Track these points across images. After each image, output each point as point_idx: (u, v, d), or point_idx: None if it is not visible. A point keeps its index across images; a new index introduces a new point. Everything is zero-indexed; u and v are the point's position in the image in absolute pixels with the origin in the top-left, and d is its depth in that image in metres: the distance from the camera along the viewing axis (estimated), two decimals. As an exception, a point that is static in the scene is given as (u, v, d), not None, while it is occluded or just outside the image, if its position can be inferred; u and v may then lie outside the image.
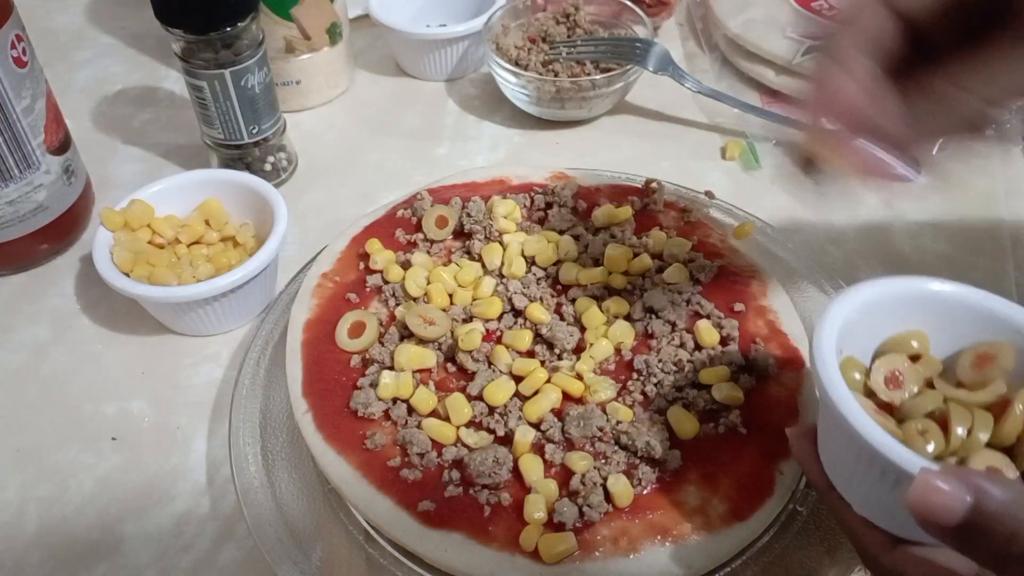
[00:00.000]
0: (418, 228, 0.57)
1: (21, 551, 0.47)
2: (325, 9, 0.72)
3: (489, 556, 0.41)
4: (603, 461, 0.44)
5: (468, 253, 0.55)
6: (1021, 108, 0.71)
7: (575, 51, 0.73)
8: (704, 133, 0.73)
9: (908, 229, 0.64)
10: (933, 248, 0.63)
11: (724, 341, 0.50)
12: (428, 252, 0.56)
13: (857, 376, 0.38)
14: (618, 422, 0.46)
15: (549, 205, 0.58)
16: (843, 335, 0.36)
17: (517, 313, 0.51)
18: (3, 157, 0.56)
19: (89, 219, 0.65)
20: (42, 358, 0.57)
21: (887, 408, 0.37)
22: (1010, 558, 0.29)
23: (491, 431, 0.46)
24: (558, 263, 0.54)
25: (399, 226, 0.58)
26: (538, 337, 0.50)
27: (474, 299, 0.52)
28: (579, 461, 0.44)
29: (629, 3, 0.75)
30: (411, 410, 0.47)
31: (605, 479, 0.43)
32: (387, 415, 0.47)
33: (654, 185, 0.59)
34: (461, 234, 0.57)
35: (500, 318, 0.51)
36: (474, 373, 0.48)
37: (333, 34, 0.74)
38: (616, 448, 0.45)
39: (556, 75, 0.71)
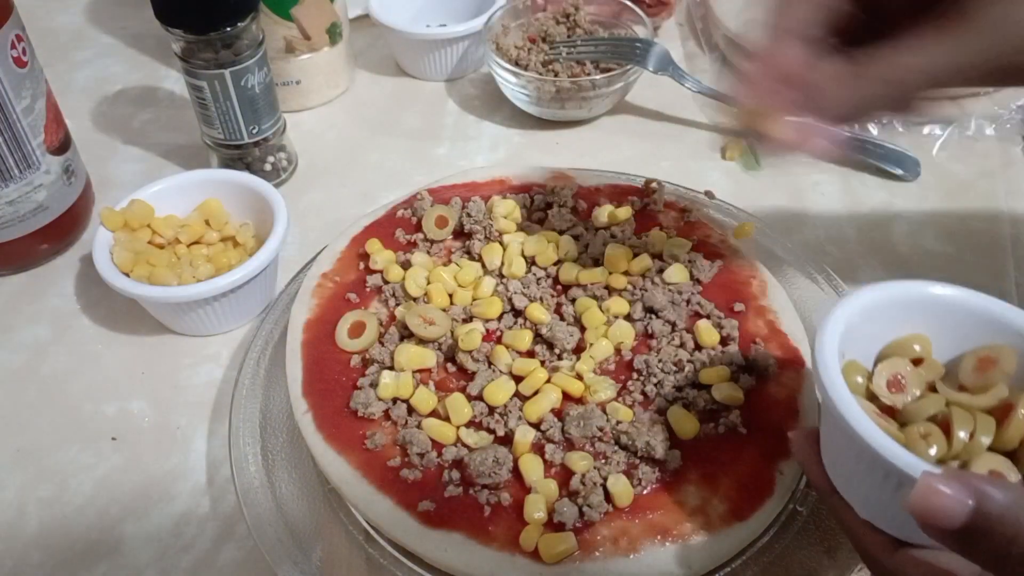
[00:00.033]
0: (418, 228, 0.57)
1: (21, 551, 0.47)
2: (325, 9, 0.72)
3: (489, 556, 0.41)
4: (603, 461, 0.44)
5: (468, 253, 0.55)
6: (1021, 108, 0.71)
7: (575, 51, 0.73)
8: (704, 133, 0.73)
9: (908, 229, 0.64)
10: (933, 248, 0.63)
11: (724, 341, 0.50)
12: (428, 252, 0.56)
13: (859, 380, 0.38)
14: (618, 422, 0.46)
15: (549, 205, 0.58)
16: (845, 339, 0.36)
17: (517, 313, 0.51)
18: (3, 157, 0.56)
19: (89, 219, 0.65)
20: (42, 358, 0.57)
21: (889, 412, 0.37)
22: (1011, 560, 0.29)
23: (491, 431, 0.46)
24: (558, 263, 0.54)
25: (399, 226, 0.58)
26: (538, 337, 0.50)
27: (474, 299, 0.52)
28: (579, 461, 0.44)
29: (629, 3, 0.75)
30: (411, 410, 0.47)
31: (605, 479, 0.43)
32: (387, 415, 0.47)
33: (654, 185, 0.59)
34: (461, 234, 0.57)
35: (500, 318, 0.51)
36: (474, 373, 0.48)
37: (333, 34, 0.74)
38: (616, 448, 0.45)
39: (556, 75, 0.71)
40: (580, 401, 0.47)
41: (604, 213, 0.56)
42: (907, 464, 0.32)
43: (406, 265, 0.54)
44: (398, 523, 0.42)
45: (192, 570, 0.46)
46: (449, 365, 0.50)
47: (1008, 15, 0.38)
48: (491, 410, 0.47)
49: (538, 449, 0.45)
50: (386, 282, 0.54)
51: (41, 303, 0.60)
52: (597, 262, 0.54)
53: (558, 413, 0.46)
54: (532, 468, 0.44)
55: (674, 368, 0.48)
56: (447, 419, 0.46)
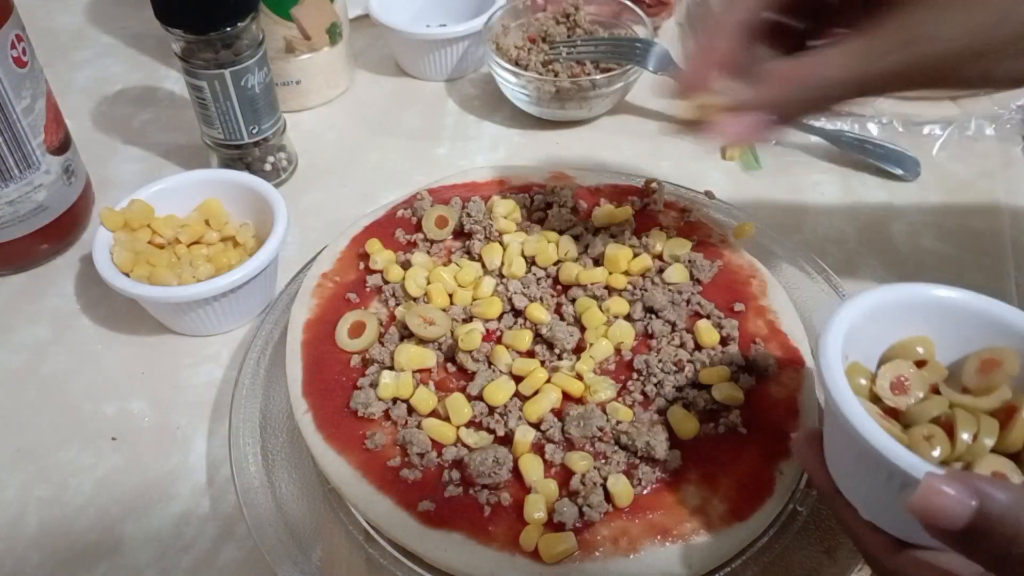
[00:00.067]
0: (418, 228, 0.57)
1: (21, 551, 0.47)
2: (325, 9, 0.72)
3: (489, 556, 0.41)
4: (603, 461, 0.44)
5: (468, 253, 0.55)
6: (1021, 108, 0.71)
7: (575, 51, 0.73)
8: (704, 133, 0.73)
9: (908, 229, 0.64)
10: (933, 248, 0.63)
11: (724, 341, 0.50)
12: (428, 252, 0.56)
13: (863, 382, 0.38)
14: (618, 422, 0.46)
15: (549, 205, 0.58)
16: (848, 341, 0.37)
17: (517, 313, 0.51)
18: (3, 157, 0.56)
19: (89, 219, 0.65)
20: (42, 358, 0.57)
21: (893, 413, 0.37)
22: (1012, 560, 0.29)
23: (491, 431, 0.46)
24: (558, 263, 0.54)
25: (399, 226, 0.58)
26: (538, 337, 0.50)
27: (474, 299, 0.52)
28: (579, 461, 0.44)
29: (629, 3, 0.75)
30: (411, 410, 0.47)
31: (605, 479, 0.43)
32: (387, 415, 0.47)
33: (654, 185, 0.59)
34: (461, 234, 0.57)
35: (500, 318, 0.51)
36: (474, 373, 0.48)
37: (333, 34, 0.74)
38: (616, 448, 0.45)
39: (556, 75, 0.71)
40: (580, 401, 0.47)
41: (604, 213, 0.56)
42: (910, 465, 0.32)
43: (406, 265, 0.54)
44: (398, 523, 0.42)
45: (192, 570, 0.46)
46: (449, 365, 0.50)
47: (912, 21, 0.40)
48: (491, 410, 0.47)
49: (538, 449, 0.45)
50: (386, 282, 0.54)
51: (41, 303, 0.60)
52: (597, 262, 0.54)
53: (558, 413, 0.46)
54: (532, 468, 0.44)
55: (674, 368, 0.48)
56: (447, 419, 0.46)
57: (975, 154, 0.70)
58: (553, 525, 0.42)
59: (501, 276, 0.54)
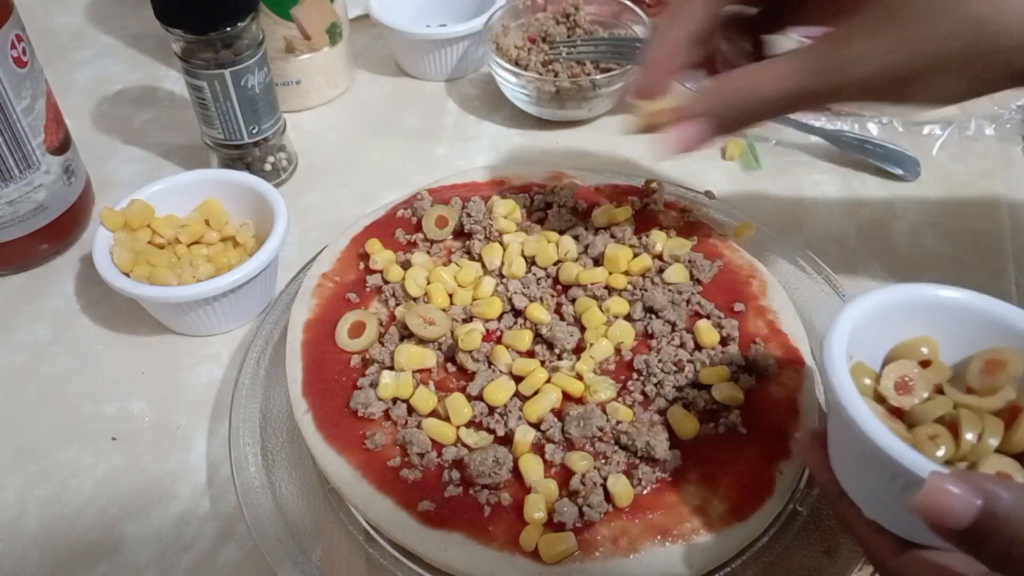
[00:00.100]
0: (418, 228, 0.57)
1: (21, 551, 0.47)
2: (325, 9, 0.72)
3: (489, 556, 0.41)
4: (603, 461, 0.44)
5: (468, 253, 0.55)
6: (1021, 108, 0.71)
7: (575, 51, 0.73)
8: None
9: (908, 229, 0.64)
10: (933, 248, 0.63)
11: (724, 341, 0.50)
12: (428, 252, 0.56)
13: (867, 381, 0.38)
14: (618, 422, 0.46)
15: (549, 205, 0.58)
16: (852, 341, 0.37)
17: (517, 313, 0.51)
18: (3, 157, 0.56)
19: (89, 219, 0.65)
20: (42, 358, 0.57)
21: (897, 413, 0.37)
22: (1017, 560, 0.29)
23: (491, 431, 0.46)
24: (558, 263, 0.54)
25: (399, 226, 0.58)
26: (538, 337, 0.50)
27: (474, 299, 0.52)
28: (579, 461, 0.44)
29: (629, 3, 0.75)
30: (411, 410, 0.47)
31: (605, 479, 0.43)
32: (387, 415, 0.47)
33: (654, 185, 0.59)
34: (461, 234, 0.57)
35: (500, 318, 0.51)
36: (474, 373, 0.48)
37: (333, 34, 0.74)
38: (616, 448, 0.45)
39: (556, 75, 0.71)
40: (580, 401, 0.47)
41: (604, 213, 0.56)
42: (915, 464, 0.32)
43: (406, 265, 0.54)
44: (398, 523, 0.42)
45: (192, 570, 0.46)
46: (449, 365, 0.50)
47: (843, 43, 0.42)
48: (491, 410, 0.47)
49: (538, 449, 0.45)
50: (386, 282, 0.54)
51: (41, 303, 0.60)
52: (597, 262, 0.54)
53: (558, 413, 0.46)
54: (532, 468, 0.44)
55: (674, 368, 0.48)
56: (447, 419, 0.46)
57: (975, 154, 0.70)
58: (553, 525, 0.42)
59: (501, 276, 0.54)
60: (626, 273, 0.53)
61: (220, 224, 0.59)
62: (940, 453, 0.34)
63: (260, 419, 0.50)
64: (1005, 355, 0.37)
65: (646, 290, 0.52)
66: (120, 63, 0.83)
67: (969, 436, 0.34)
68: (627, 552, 0.41)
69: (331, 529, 0.45)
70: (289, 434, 0.49)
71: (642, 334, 0.50)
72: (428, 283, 0.53)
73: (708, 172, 0.69)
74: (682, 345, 0.49)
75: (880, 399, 0.38)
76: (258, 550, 0.44)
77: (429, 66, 0.78)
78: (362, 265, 0.55)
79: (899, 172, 0.68)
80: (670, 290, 0.52)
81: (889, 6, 0.40)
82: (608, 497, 0.42)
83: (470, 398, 0.47)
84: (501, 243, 0.55)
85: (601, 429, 0.45)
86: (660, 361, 0.48)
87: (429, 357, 0.49)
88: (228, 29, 0.59)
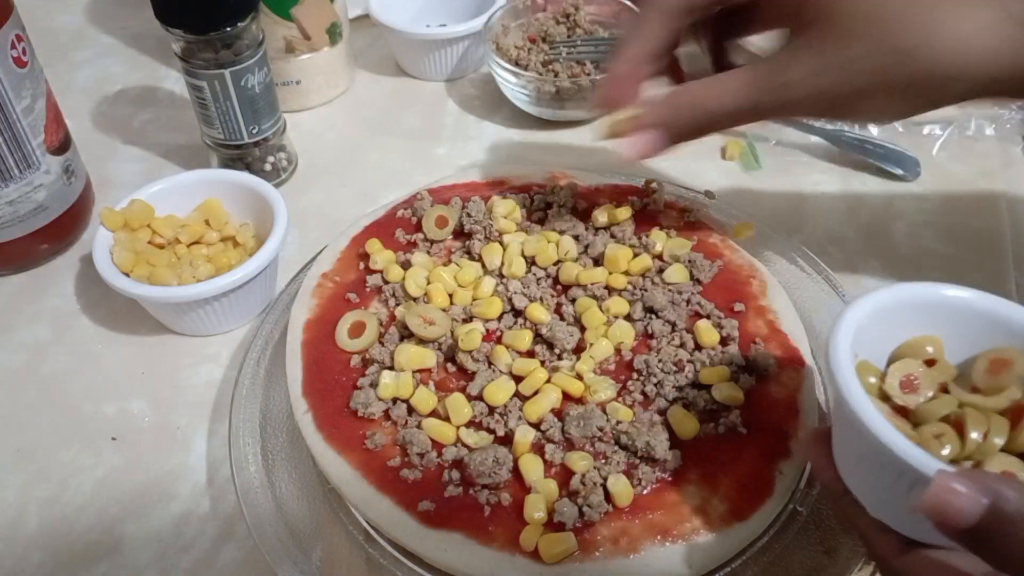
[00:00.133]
0: (418, 228, 0.57)
1: (21, 551, 0.47)
2: (325, 9, 0.72)
3: (489, 556, 0.41)
4: (603, 461, 0.44)
5: (468, 253, 0.55)
6: (1021, 108, 0.71)
7: (575, 51, 0.73)
8: (704, 133, 0.73)
9: (908, 229, 0.64)
10: (933, 248, 0.63)
11: (724, 341, 0.50)
12: (428, 252, 0.56)
13: (872, 380, 0.38)
14: (618, 422, 0.46)
15: (549, 205, 0.58)
16: (857, 339, 0.36)
17: (517, 313, 0.51)
18: (3, 157, 0.56)
19: (89, 219, 0.65)
20: (42, 358, 0.57)
21: (902, 412, 0.37)
22: (1019, 559, 0.29)
23: (491, 431, 0.46)
24: (558, 263, 0.54)
25: (399, 226, 0.58)
26: (538, 337, 0.50)
27: (474, 299, 0.52)
28: (579, 461, 0.44)
29: (629, 3, 0.75)
30: (411, 410, 0.47)
31: (605, 479, 0.43)
32: (387, 415, 0.47)
33: (654, 185, 0.59)
34: (461, 234, 0.57)
35: (500, 318, 0.51)
36: (474, 373, 0.48)
37: (333, 34, 0.74)
38: (616, 448, 0.45)
39: (556, 75, 0.71)
40: (580, 401, 0.47)
41: (604, 213, 0.56)
42: (922, 463, 0.31)
43: (406, 265, 0.54)
44: (398, 523, 0.42)
45: (192, 570, 0.46)
46: (449, 365, 0.50)
47: (786, 63, 0.44)
48: (491, 410, 0.47)
49: (538, 449, 0.45)
50: (386, 282, 0.54)
51: (41, 303, 0.60)
52: (597, 262, 0.54)
53: (558, 413, 0.46)
54: (532, 468, 0.44)
55: (674, 368, 0.48)
56: (447, 419, 0.46)
57: (975, 154, 0.70)
58: (553, 525, 0.42)
59: (501, 276, 0.54)
60: (626, 273, 0.53)
61: (220, 224, 0.59)
62: (945, 452, 0.34)
63: (260, 419, 0.50)
64: (1010, 354, 0.37)
65: (646, 290, 0.52)
66: (120, 63, 0.83)
67: (975, 435, 0.34)
68: (627, 552, 0.41)
69: (331, 529, 0.45)
70: (289, 434, 0.49)
71: (642, 334, 0.50)
72: (428, 283, 0.53)
73: (708, 172, 0.69)
74: (682, 345, 0.49)
75: (885, 397, 0.37)
76: (258, 550, 0.44)
77: (429, 66, 0.78)
78: (362, 265, 0.55)
79: (899, 172, 0.68)
80: (670, 290, 0.52)
81: (825, 31, 0.43)
82: (608, 497, 0.42)
83: (470, 398, 0.47)
84: (501, 243, 0.55)
85: (601, 429, 0.45)
86: (660, 361, 0.48)
87: (429, 357, 0.49)
88: (228, 29, 0.59)
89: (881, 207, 0.66)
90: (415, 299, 0.52)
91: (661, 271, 0.53)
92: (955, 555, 0.33)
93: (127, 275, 0.54)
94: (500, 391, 0.47)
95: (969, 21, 0.40)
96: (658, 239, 0.55)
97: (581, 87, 0.70)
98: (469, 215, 0.56)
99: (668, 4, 0.48)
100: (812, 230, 0.64)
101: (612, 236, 0.55)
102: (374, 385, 0.47)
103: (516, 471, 0.44)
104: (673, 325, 0.50)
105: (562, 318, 0.51)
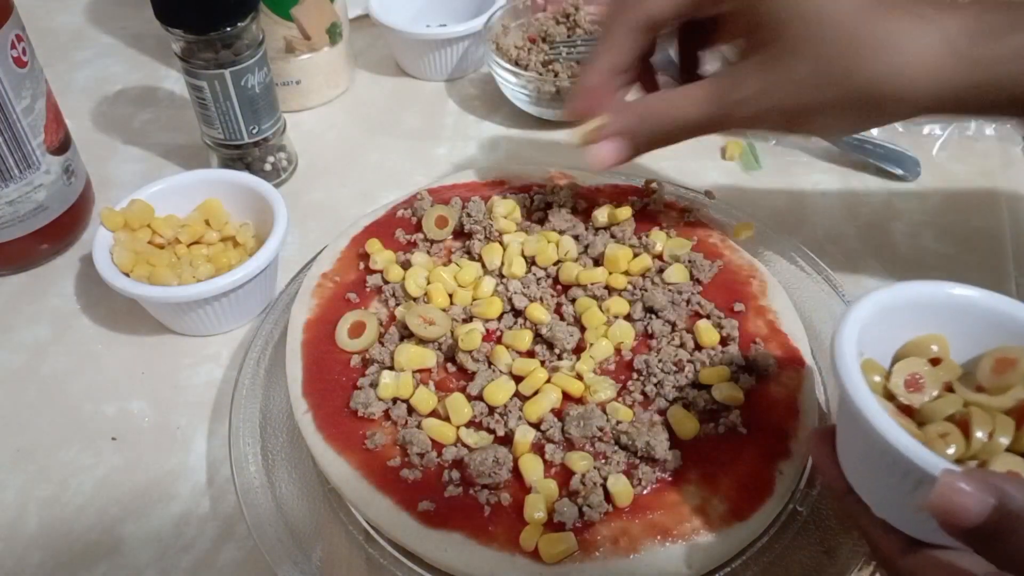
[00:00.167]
0: (418, 228, 0.57)
1: (21, 551, 0.47)
2: (325, 9, 0.72)
3: (489, 556, 0.41)
4: (603, 461, 0.44)
5: (468, 253, 0.55)
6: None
7: (575, 51, 0.73)
8: (704, 133, 0.73)
9: (908, 229, 0.64)
10: (933, 248, 0.63)
11: (724, 341, 0.50)
12: (428, 252, 0.56)
13: (877, 379, 0.37)
14: (618, 422, 0.46)
15: (549, 205, 0.58)
16: (862, 338, 0.36)
17: (517, 313, 0.51)
18: (3, 157, 0.56)
19: (89, 219, 0.65)
20: (42, 358, 0.57)
21: (907, 411, 0.37)
22: None
23: (491, 431, 0.46)
24: (558, 263, 0.54)
25: (399, 226, 0.58)
26: (538, 337, 0.50)
27: (474, 299, 0.52)
28: (579, 461, 0.44)
29: (629, 3, 0.75)
30: (411, 410, 0.47)
31: (605, 479, 0.43)
32: (387, 415, 0.47)
33: (654, 185, 0.59)
34: (461, 234, 0.57)
35: (500, 318, 0.51)
36: (474, 373, 0.48)
37: (333, 34, 0.74)
38: (616, 448, 0.45)
39: (556, 75, 0.71)
40: (580, 401, 0.47)
41: (604, 213, 0.56)
42: (927, 463, 0.31)
43: (406, 265, 0.54)
44: (398, 523, 0.42)
45: (192, 570, 0.46)
46: (449, 365, 0.50)
47: (735, 80, 0.46)
48: (491, 410, 0.47)
49: (538, 449, 0.45)
50: (386, 282, 0.54)
51: (41, 303, 0.60)
52: (597, 262, 0.54)
53: (558, 413, 0.46)
54: (532, 468, 0.44)
55: (674, 368, 0.48)
56: (447, 419, 0.46)
57: (975, 154, 0.70)
58: (553, 525, 0.42)
59: (501, 276, 0.54)
60: (626, 273, 0.53)
61: (220, 224, 0.59)
62: (951, 451, 0.34)
63: (260, 419, 0.50)
64: (1016, 353, 0.37)
65: (646, 290, 0.52)
66: (120, 63, 0.83)
67: (980, 435, 0.34)
68: (627, 552, 0.41)
69: (331, 529, 0.45)
70: (289, 434, 0.49)
71: (642, 334, 0.50)
72: (428, 283, 0.53)
73: (708, 172, 0.69)
74: (682, 345, 0.49)
75: (890, 396, 0.37)
76: (258, 550, 0.44)
77: (429, 66, 0.78)
78: (362, 265, 0.55)
79: (899, 172, 0.68)
80: (670, 290, 0.52)
81: (777, 50, 0.45)
82: (608, 497, 0.42)
83: (470, 398, 0.47)
84: (501, 243, 0.55)
85: (601, 429, 0.45)
86: (660, 361, 0.48)
87: (429, 357, 0.49)
88: (228, 29, 0.59)
89: (881, 207, 0.66)
90: (415, 299, 0.52)
91: (661, 271, 0.53)
92: (960, 555, 0.33)
93: (127, 275, 0.54)
94: (500, 391, 0.47)
95: (912, 46, 0.43)
96: (658, 239, 0.55)
97: (581, 87, 0.70)
98: (469, 215, 0.56)
99: (631, 20, 0.50)
100: (812, 230, 0.64)
101: (612, 236, 0.55)
102: (374, 385, 0.47)
103: (516, 471, 0.44)
104: (673, 325, 0.50)
105: (562, 318, 0.51)
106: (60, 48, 0.85)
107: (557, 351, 0.49)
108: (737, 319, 0.50)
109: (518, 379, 0.47)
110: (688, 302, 0.52)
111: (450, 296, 0.52)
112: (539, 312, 0.50)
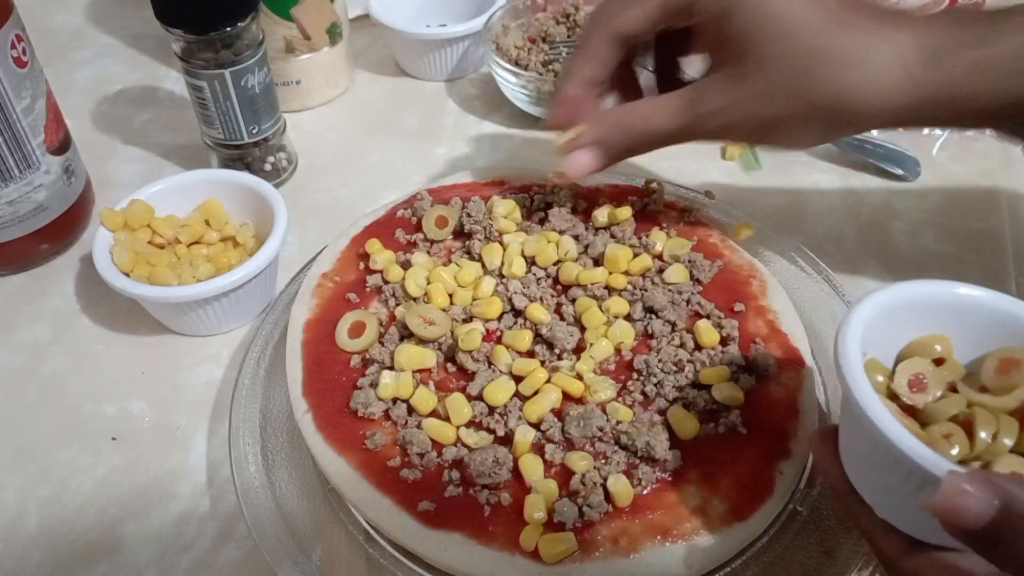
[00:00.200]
0: (418, 228, 0.57)
1: (21, 551, 0.47)
2: (325, 9, 0.72)
3: (489, 556, 0.41)
4: (603, 461, 0.44)
5: (468, 253, 0.55)
6: None
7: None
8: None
9: (908, 229, 0.64)
10: (933, 248, 0.63)
11: (724, 341, 0.50)
12: (428, 252, 0.56)
13: (880, 379, 0.37)
14: (618, 422, 0.46)
15: (549, 205, 0.58)
16: (865, 337, 0.36)
17: (517, 313, 0.51)
18: (3, 157, 0.56)
19: (89, 219, 0.65)
20: (42, 358, 0.57)
21: (910, 411, 0.37)
22: None
23: (491, 431, 0.46)
24: (558, 263, 0.54)
25: (399, 226, 0.58)
26: (538, 337, 0.50)
27: (474, 299, 0.52)
28: (579, 461, 0.44)
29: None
30: (411, 410, 0.47)
31: (605, 479, 0.43)
32: (387, 415, 0.47)
33: (654, 185, 0.59)
34: (461, 234, 0.57)
35: (500, 318, 0.51)
36: (474, 373, 0.48)
37: (333, 34, 0.74)
38: (616, 448, 0.45)
39: (556, 75, 0.71)
40: (580, 401, 0.47)
41: (604, 213, 0.56)
42: (931, 464, 0.31)
43: (406, 265, 0.54)
44: (398, 523, 0.42)
45: (192, 570, 0.46)
46: (449, 365, 0.49)
47: (706, 92, 0.48)
48: (491, 410, 0.47)
49: (538, 449, 0.45)
50: (386, 282, 0.54)
51: (41, 303, 0.60)
52: (597, 262, 0.54)
53: (558, 413, 0.46)
54: (532, 468, 0.44)
55: (674, 368, 0.48)
56: (447, 419, 0.46)
57: (975, 154, 0.70)
58: (553, 525, 0.42)
59: (501, 276, 0.54)
60: (626, 273, 0.53)
61: (220, 224, 0.59)
62: (954, 452, 0.34)
63: (260, 419, 0.50)
64: (1020, 354, 0.37)
65: (646, 290, 0.52)
66: (120, 63, 0.83)
67: (984, 435, 0.34)
68: (627, 552, 0.41)
69: (331, 529, 0.45)
70: (289, 434, 0.49)
71: (642, 334, 0.50)
72: (428, 283, 0.53)
73: (708, 172, 0.69)
74: (682, 345, 0.49)
75: (893, 396, 0.37)
76: (258, 550, 0.44)
77: (429, 66, 0.78)
78: (362, 265, 0.55)
79: (899, 172, 0.68)
80: (670, 290, 0.52)
81: (743, 66, 0.46)
82: (608, 497, 0.42)
83: (470, 398, 0.47)
84: (501, 243, 0.55)
85: (601, 429, 0.45)
86: (660, 361, 0.48)
87: (429, 357, 0.49)
88: (228, 29, 0.59)
89: (881, 207, 0.66)
90: (415, 299, 0.52)
91: (661, 271, 0.53)
92: (962, 556, 0.33)
93: (127, 275, 0.54)
94: (500, 391, 0.47)
95: (868, 64, 0.44)
96: (658, 239, 0.55)
97: (581, 87, 0.70)
98: (469, 215, 0.56)
99: (605, 33, 0.51)
100: (812, 230, 0.64)
101: (612, 236, 0.55)
102: (374, 385, 0.47)
103: (516, 471, 0.44)
104: (673, 325, 0.50)
105: (562, 318, 0.51)
106: (60, 48, 0.85)
107: (557, 351, 0.49)
108: (737, 319, 0.50)
109: (518, 379, 0.47)
110: (688, 302, 0.52)
111: (450, 296, 0.52)
112: (539, 312, 0.50)
